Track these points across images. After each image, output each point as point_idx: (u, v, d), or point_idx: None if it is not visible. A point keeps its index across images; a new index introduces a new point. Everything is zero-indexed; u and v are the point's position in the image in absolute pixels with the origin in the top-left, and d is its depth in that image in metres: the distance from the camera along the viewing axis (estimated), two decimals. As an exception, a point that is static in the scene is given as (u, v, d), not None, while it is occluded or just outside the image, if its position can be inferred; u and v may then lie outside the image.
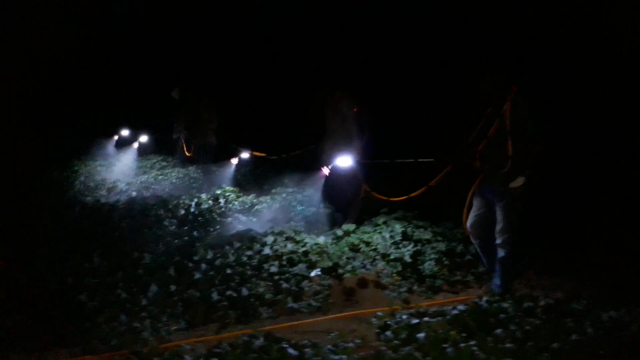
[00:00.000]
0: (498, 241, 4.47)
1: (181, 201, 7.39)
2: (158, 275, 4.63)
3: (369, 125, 6.50)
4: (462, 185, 4.80)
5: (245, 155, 9.46)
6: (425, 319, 3.81)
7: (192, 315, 4.22)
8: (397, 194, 5.90)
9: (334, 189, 6.52)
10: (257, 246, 5.26)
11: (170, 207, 7.12)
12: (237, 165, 9.40)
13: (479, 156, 4.55)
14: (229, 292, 4.47)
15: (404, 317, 3.92)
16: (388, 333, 3.75)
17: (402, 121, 8.43)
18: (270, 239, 5.33)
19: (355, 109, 6.44)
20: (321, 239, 5.37)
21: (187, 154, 10.29)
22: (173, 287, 4.47)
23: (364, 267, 5.18)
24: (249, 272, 4.79)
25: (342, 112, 6.43)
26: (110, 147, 13.19)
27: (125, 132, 13.18)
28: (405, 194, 5.68)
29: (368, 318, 4.28)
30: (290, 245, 5.24)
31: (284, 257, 5.07)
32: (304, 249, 5.21)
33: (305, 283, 4.75)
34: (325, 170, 6.38)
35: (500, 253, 4.49)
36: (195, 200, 7.34)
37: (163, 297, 4.39)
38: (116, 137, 13.39)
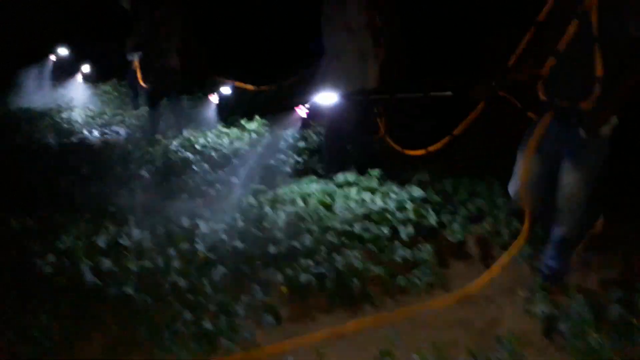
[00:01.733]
0: (559, 213, 3.07)
1: (201, 138, 6.17)
2: (222, 250, 3.49)
3: (391, 33, 4.72)
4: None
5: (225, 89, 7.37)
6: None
7: (276, 305, 3.16)
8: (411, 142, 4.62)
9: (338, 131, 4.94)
10: (327, 199, 4.11)
11: (197, 147, 5.88)
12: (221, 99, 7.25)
13: (542, 83, 2.99)
14: (315, 269, 3.40)
15: (579, 306, 2.89)
16: (565, 330, 2.77)
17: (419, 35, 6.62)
18: (353, 192, 4.16)
19: (364, 14, 4.63)
20: (415, 190, 4.19)
21: (141, 83, 7.53)
22: (245, 268, 3.36)
23: (471, 222, 4.11)
24: (334, 240, 3.68)
25: (350, 22, 4.65)
26: (48, 71, 9.78)
27: (64, 52, 9.78)
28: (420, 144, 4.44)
29: (509, 299, 3.27)
30: (377, 200, 4.09)
31: (372, 215, 3.95)
32: (393, 204, 4.08)
33: (404, 250, 3.68)
34: (302, 111, 4.63)
35: (559, 231, 3.13)
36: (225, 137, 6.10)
37: (234, 282, 3.30)
38: (53, 59, 9.89)
